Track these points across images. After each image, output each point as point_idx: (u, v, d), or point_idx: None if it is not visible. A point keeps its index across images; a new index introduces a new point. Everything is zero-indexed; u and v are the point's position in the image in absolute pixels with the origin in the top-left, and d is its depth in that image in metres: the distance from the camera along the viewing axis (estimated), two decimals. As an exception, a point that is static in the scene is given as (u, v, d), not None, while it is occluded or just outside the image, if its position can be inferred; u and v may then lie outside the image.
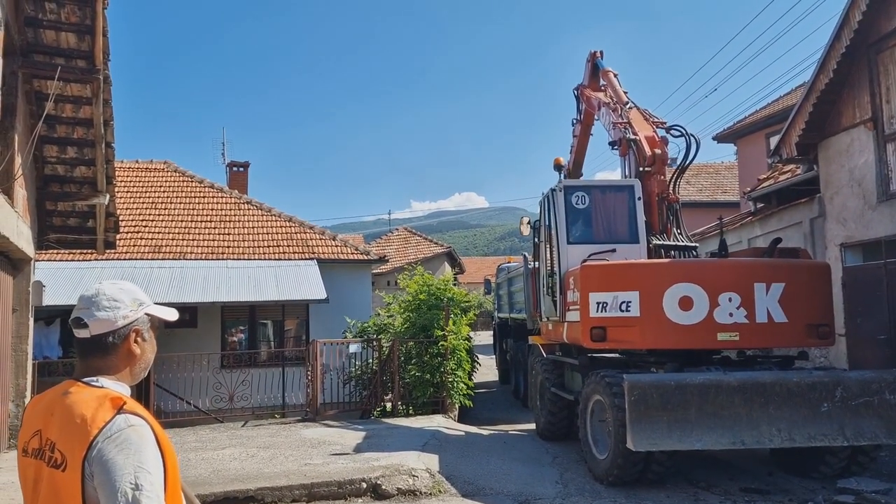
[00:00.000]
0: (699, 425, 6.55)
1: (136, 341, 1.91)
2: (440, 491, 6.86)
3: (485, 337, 26.80)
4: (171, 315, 2.03)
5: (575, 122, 12.25)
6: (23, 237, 8.42)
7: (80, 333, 1.87)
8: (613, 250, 8.52)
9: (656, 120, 9.60)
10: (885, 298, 9.24)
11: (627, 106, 9.86)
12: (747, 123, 20.56)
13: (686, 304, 7.37)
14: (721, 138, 22.09)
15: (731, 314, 7.37)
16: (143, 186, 17.96)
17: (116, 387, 1.85)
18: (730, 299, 7.39)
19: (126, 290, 1.94)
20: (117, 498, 1.61)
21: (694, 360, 7.68)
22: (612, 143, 10.00)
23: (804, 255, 8.38)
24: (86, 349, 1.89)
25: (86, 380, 1.85)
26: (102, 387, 1.83)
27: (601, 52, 11.49)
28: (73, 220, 10.48)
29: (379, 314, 14.29)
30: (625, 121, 9.56)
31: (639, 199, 8.84)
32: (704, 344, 7.46)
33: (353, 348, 12.44)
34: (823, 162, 10.69)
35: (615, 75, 10.83)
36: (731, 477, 7.50)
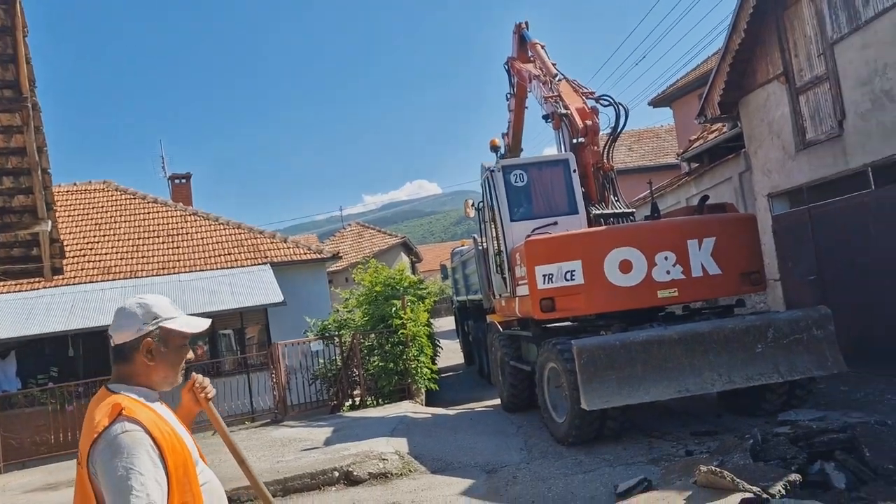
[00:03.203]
0: (646, 379, 6.94)
1: (146, 353, 2.10)
2: (410, 470, 7.15)
3: (449, 322, 27.13)
4: (192, 328, 2.20)
5: (509, 96, 12.32)
6: (-33, 273, 8.34)
7: (110, 342, 2.15)
8: (555, 223, 8.85)
9: (585, 91, 9.79)
10: (812, 241, 9.82)
11: (557, 78, 10.01)
12: (680, 86, 21.15)
13: (626, 266, 7.76)
14: (656, 103, 22.65)
15: (668, 272, 7.79)
16: (84, 209, 17.69)
17: (130, 393, 2.06)
18: (666, 258, 7.80)
19: (145, 305, 2.14)
20: (112, 496, 1.84)
21: (641, 319, 8.07)
22: (545, 117, 10.16)
23: (731, 208, 8.84)
24: (112, 357, 2.15)
25: (111, 386, 2.10)
26: (118, 393, 2.05)
27: (527, 23, 11.55)
28: (16, 251, 10.32)
29: (338, 310, 14.45)
30: (555, 94, 9.72)
31: (574, 171, 9.16)
32: (646, 302, 7.86)
33: (314, 347, 12.61)
34: (745, 118, 11.23)
35: (542, 47, 10.92)
36: (683, 424, 7.95)
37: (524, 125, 12.80)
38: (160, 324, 2.12)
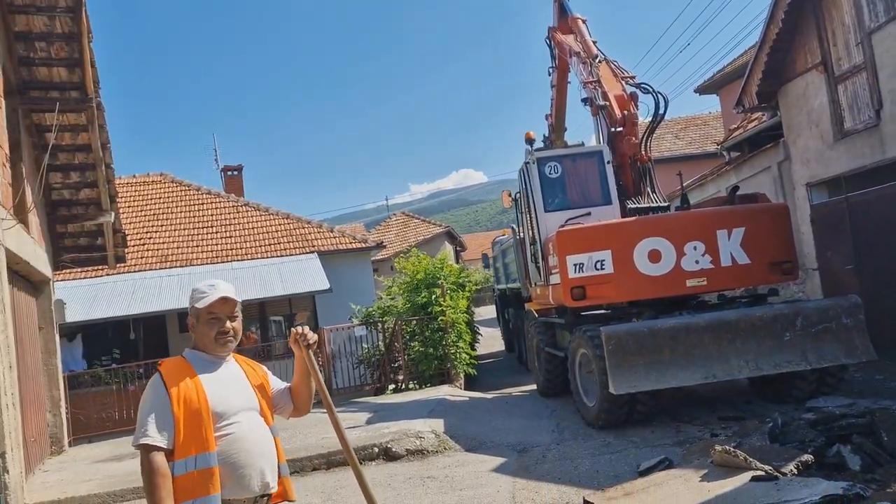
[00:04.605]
0: (673, 365, 7.18)
1: (190, 328, 2.73)
2: (445, 448, 7.57)
3: (493, 310, 27.49)
4: (208, 302, 2.66)
5: (551, 70, 11.96)
6: (40, 260, 9.09)
7: None
8: (588, 214, 9.08)
9: (626, 75, 9.58)
10: (849, 230, 9.83)
11: (597, 59, 9.76)
12: (726, 73, 20.87)
13: (655, 256, 7.97)
14: (702, 90, 22.35)
15: (697, 261, 7.97)
16: (143, 200, 18.61)
17: (187, 354, 2.71)
18: (695, 248, 7.98)
19: (191, 292, 2.73)
20: None
21: (673, 307, 8.27)
22: (584, 100, 9.98)
23: (763, 199, 8.91)
24: None
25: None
26: (180, 355, 2.71)
27: None
28: (83, 240, 11.14)
29: (381, 298, 14.96)
30: (595, 79, 9.52)
31: (608, 162, 9.33)
32: (675, 291, 8.05)
33: (358, 332, 13.13)
34: (784, 107, 11.22)
35: (584, 22, 10.64)
36: (712, 409, 8.14)
37: (568, 102, 12.18)
38: (193, 304, 2.69)
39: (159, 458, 2.40)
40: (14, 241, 7.30)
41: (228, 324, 2.67)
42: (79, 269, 13.91)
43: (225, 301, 2.66)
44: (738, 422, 7.41)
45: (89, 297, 14.28)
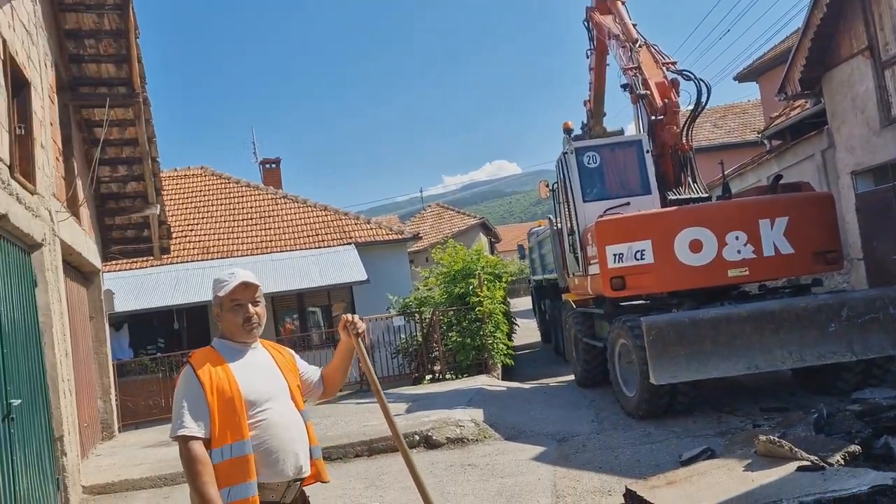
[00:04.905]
0: (715, 355, 7.12)
1: (216, 317, 2.75)
2: (485, 437, 7.64)
3: (527, 302, 27.45)
4: (228, 289, 2.67)
5: (589, 53, 11.66)
6: (91, 251, 9.39)
7: None
8: (628, 203, 9.03)
9: (666, 60, 9.36)
10: (896, 220, 9.61)
11: (637, 44, 9.49)
12: (767, 60, 20.43)
13: (696, 246, 7.91)
14: (742, 78, 21.91)
15: (738, 251, 7.89)
16: (184, 193, 19.00)
17: (216, 344, 2.71)
18: (737, 237, 7.90)
19: (215, 279, 2.76)
20: None
21: (714, 297, 8.19)
22: (623, 86, 9.68)
23: (807, 187, 8.76)
24: None
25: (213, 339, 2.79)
26: (209, 345, 2.72)
27: None
28: (130, 232, 11.46)
29: (419, 288, 15.06)
30: (635, 66, 9.26)
31: (647, 152, 9.25)
32: (716, 281, 7.99)
33: (396, 322, 13.26)
34: (828, 94, 10.98)
35: (623, 3, 10.39)
36: (755, 400, 8.06)
37: (606, 86, 11.78)
38: (216, 293, 2.71)
39: (198, 447, 2.44)
40: (68, 233, 7.55)
41: (252, 308, 2.68)
42: (125, 261, 14.29)
43: (246, 286, 2.67)
44: (782, 413, 7.35)
45: (135, 287, 14.67)
